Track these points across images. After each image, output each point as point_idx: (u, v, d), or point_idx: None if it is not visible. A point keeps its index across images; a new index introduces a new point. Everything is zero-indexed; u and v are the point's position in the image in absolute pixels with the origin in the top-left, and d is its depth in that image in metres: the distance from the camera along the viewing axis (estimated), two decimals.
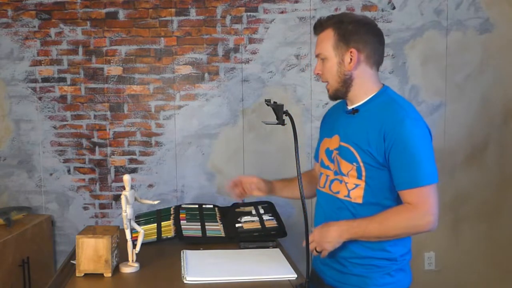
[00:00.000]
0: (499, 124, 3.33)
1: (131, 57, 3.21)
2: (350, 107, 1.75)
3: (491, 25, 3.25)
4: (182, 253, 1.97)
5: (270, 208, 2.53)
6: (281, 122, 1.66)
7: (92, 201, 3.27)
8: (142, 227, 2.02)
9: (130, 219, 1.83)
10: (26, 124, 3.23)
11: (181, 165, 3.26)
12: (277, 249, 2.08)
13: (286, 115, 1.64)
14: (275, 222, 2.34)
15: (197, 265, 1.84)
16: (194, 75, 3.23)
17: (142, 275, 1.80)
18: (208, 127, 3.26)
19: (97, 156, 3.25)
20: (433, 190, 1.58)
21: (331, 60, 1.69)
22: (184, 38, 3.20)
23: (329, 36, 1.69)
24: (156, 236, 2.22)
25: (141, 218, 2.45)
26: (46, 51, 3.19)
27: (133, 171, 3.25)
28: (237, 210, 2.52)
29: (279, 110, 1.65)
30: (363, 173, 1.65)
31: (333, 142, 1.76)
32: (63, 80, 3.21)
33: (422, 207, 1.57)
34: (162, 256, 1.99)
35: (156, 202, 1.95)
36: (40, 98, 3.22)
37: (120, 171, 3.25)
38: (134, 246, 1.85)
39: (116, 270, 1.81)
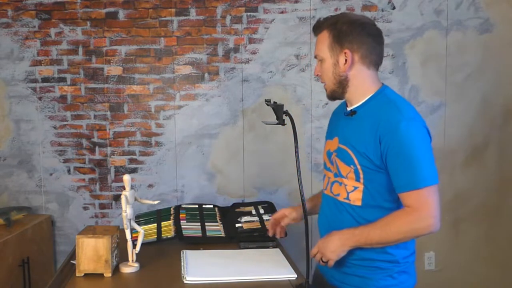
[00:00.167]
0: (499, 124, 3.33)
1: (131, 57, 3.21)
2: (349, 109, 1.75)
3: (491, 25, 3.26)
4: (182, 253, 1.97)
5: (270, 208, 2.53)
6: (281, 122, 1.66)
7: (92, 201, 3.27)
8: (142, 227, 2.02)
9: (130, 219, 1.83)
10: (26, 124, 3.23)
11: (181, 165, 3.26)
12: (277, 249, 2.08)
13: (286, 115, 1.64)
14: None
15: (197, 265, 1.84)
16: (194, 75, 3.23)
17: (142, 275, 1.80)
18: (208, 127, 3.26)
19: (97, 156, 3.25)
20: (433, 191, 1.56)
21: (327, 61, 1.69)
22: (184, 38, 3.20)
23: (324, 37, 1.69)
24: (156, 236, 2.22)
25: (141, 218, 2.45)
26: (46, 51, 3.19)
27: (133, 171, 3.25)
28: (237, 210, 2.52)
29: (279, 110, 1.66)
30: (361, 176, 1.65)
31: (333, 144, 1.76)
32: (63, 80, 3.21)
33: (422, 210, 1.55)
34: (162, 256, 1.99)
35: (156, 202, 1.95)
36: (40, 98, 3.22)
37: (120, 171, 3.25)
38: (134, 246, 1.85)
39: (116, 270, 1.81)
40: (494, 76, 3.29)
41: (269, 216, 2.40)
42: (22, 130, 3.23)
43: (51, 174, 3.25)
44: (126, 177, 1.82)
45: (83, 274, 1.76)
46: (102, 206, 3.27)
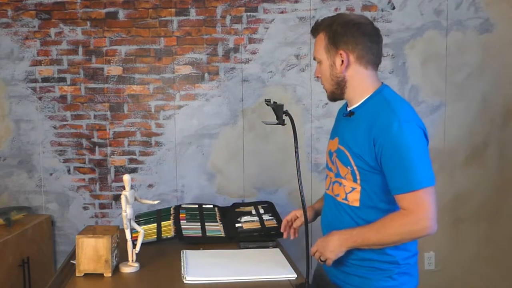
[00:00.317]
0: (499, 124, 3.33)
1: (131, 57, 3.21)
2: (348, 109, 1.75)
3: (491, 25, 3.26)
4: (182, 253, 1.97)
5: (270, 208, 2.53)
6: (281, 122, 1.66)
7: (92, 201, 3.27)
8: (142, 227, 2.02)
9: (130, 219, 1.83)
10: (26, 124, 3.23)
11: (181, 165, 3.26)
12: (277, 249, 2.08)
13: (286, 115, 1.64)
14: (275, 222, 2.34)
15: (197, 265, 1.84)
16: (194, 75, 3.23)
17: (142, 275, 1.80)
18: (208, 127, 3.26)
19: (97, 156, 3.25)
20: (428, 193, 1.54)
21: (324, 63, 1.70)
22: (184, 38, 3.20)
23: (321, 39, 1.69)
24: (156, 236, 2.22)
25: (141, 218, 2.45)
26: (46, 51, 3.19)
27: (133, 171, 3.25)
28: (237, 210, 2.52)
29: (279, 110, 1.65)
30: (358, 177, 1.65)
31: (334, 144, 1.77)
32: (63, 80, 3.21)
33: (417, 212, 1.54)
34: (162, 256, 1.99)
35: (156, 202, 1.95)
36: (40, 98, 3.22)
37: (120, 171, 3.25)
38: (134, 246, 1.85)
39: (116, 270, 1.81)
40: (494, 76, 3.29)
41: (269, 216, 2.40)
42: (22, 130, 3.23)
43: (51, 174, 3.25)
44: (126, 177, 1.82)
45: (83, 274, 1.76)
46: (102, 206, 3.27)
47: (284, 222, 2.03)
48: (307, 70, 3.24)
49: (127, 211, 1.80)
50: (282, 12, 3.20)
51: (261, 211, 2.47)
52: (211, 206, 2.57)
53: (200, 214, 2.45)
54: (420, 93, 3.27)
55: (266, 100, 1.74)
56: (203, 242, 2.16)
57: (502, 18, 3.25)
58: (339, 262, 1.72)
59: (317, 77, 1.76)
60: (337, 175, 1.73)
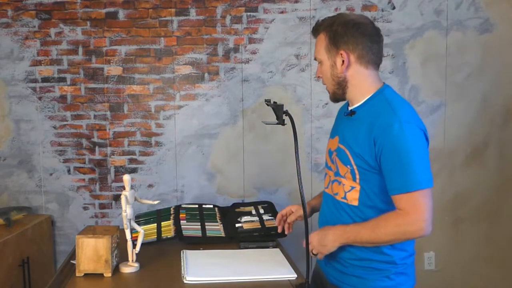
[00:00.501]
0: (499, 124, 3.33)
1: (131, 57, 3.21)
2: (349, 109, 1.75)
3: (491, 25, 3.26)
4: (182, 253, 1.97)
5: (270, 208, 2.53)
6: (281, 122, 1.66)
7: (92, 201, 3.27)
8: (142, 227, 2.02)
9: (130, 219, 1.83)
10: (26, 124, 3.23)
11: (181, 165, 3.26)
12: (277, 249, 2.08)
13: (286, 115, 1.64)
14: (275, 222, 2.34)
15: (197, 265, 1.84)
16: (194, 75, 3.23)
17: (142, 275, 1.80)
18: (208, 127, 3.26)
19: (97, 156, 3.25)
20: (425, 195, 1.54)
21: (325, 63, 1.70)
22: (184, 38, 3.20)
23: (322, 40, 1.70)
24: (156, 236, 2.21)
25: (141, 218, 2.45)
26: (46, 51, 3.19)
27: (133, 171, 3.25)
28: (237, 210, 2.52)
29: (279, 110, 1.65)
30: (357, 176, 1.65)
31: (334, 143, 1.77)
32: (63, 80, 3.21)
33: (413, 213, 1.54)
34: (162, 256, 1.99)
35: (156, 202, 1.95)
36: (40, 98, 3.22)
37: (120, 171, 3.25)
38: (134, 246, 1.85)
39: (116, 270, 1.81)
40: (494, 76, 3.29)
41: (269, 216, 2.40)
42: (22, 130, 3.23)
43: (51, 174, 3.25)
44: (126, 177, 1.82)
45: (83, 274, 1.76)
46: (102, 206, 3.27)
47: (278, 216, 2.05)
48: (307, 70, 3.24)
49: (127, 211, 1.80)
50: (282, 12, 3.20)
51: (261, 211, 2.47)
52: (211, 206, 2.57)
53: (200, 214, 2.45)
54: (420, 93, 3.27)
55: (266, 100, 1.74)
56: (203, 242, 2.16)
57: (502, 18, 3.25)
58: (337, 261, 1.73)
59: (318, 77, 1.77)
60: (337, 174, 1.74)
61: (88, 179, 3.26)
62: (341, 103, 1.84)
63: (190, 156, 3.26)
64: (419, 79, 3.27)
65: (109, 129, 3.24)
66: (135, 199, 1.87)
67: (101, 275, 1.76)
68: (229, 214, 2.47)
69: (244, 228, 2.28)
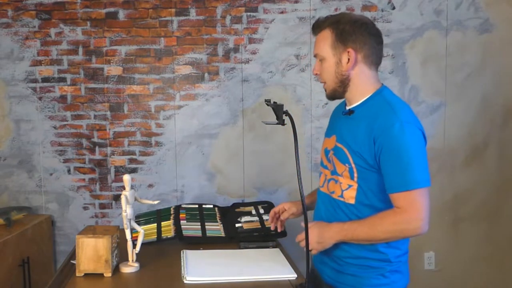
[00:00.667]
0: (499, 124, 3.33)
1: (131, 57, 3.21)
2: (347, 108, 1.76)
3: (491, 25, 3.26)
4: (182, 253, 1.97)
5: (270, 208, 2.52)
6: (281, 122, 1.66)
7: (92, 201, 3.27)
8: (142, 227, 2.02)
9: (130, 219, 1.83)
10: (26, 124, 3.23)
11: (181, 165, 3.26)
12: (277, 249, 2.08)
13: (286, 115, 1.64)
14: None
15: (197, 265, 1.84)
16: (194, 75, 3.23)
17: (142, 275, 1.80)
18: (208, 127, 3.26)
19: (97, 156, 3.25)
20: (423, 194, 1.57)
21: (328, 60, 1.70)
22: (184, 38, 3.20)
23: (326, 36, 1.69)
24: (156, 236, 2.22)
25: (141, 218, 2.45)
26: (46, 51, 3.19)
27: (133, 171, 3.25)
28: (237, 210, 2.52)
29: (279, 110, 1.65)
30: (355, 175, 1.66)
31: (331, 142, 1.78)
32: (63, 80, 3.21)
33: (410, 211, 1.57)
34: (162, 256, 1.99)
35: (156, 202, 1.95)
36: (40, 98, 3.22)
37: (120, 171, 3.25)
38: (134, 246, 1.85)
39: (116, 270, 1.81)
40: (494, 76, 3.29)
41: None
42: (22, 130, 3.23)
43: (51, 174, 3.25)
44: (126, 177, 1.82)
45: (83, 274, 1.76)
46: (102, 206, 3.27)
47: (271, 214, 2.07)
48: (307, 70, 3.24)
49: (127, 211, 1.80)
50: (282, 12, 3.20)
51: (261, 211, 2.47)
52: (211, 206, 2.57)
53: (200, 214, 2.45)
54: (420, 93, 3.27)
55: (266, 100, 1.74)
56: (203, 242, 2.16)
57: (502, 18, 3.25)
58: (332, 260, 1.75)
59: (316, 74, 1.76)
60: (333, 172, 1.75)
61: (88, 179, 3.26)
62: (337, 102, 1.85)
63: (190, 156, 3.26)
64: (419, 79, 3.27)
65: (109, 129, 3.24)
66: (135, 199, 1.87)
67: (101, 275, 1.76)
68: (229, 214, 2.47)
69: (244, 228, 2.29)
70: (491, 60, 3.27)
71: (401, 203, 1.58)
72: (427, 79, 3.27)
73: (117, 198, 3.26)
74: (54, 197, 3.26)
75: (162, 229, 2.28)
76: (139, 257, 1.86)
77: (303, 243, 1.70)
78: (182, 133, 3.25)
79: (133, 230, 1.87)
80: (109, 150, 3.25)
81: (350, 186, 1.68)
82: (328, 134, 1.84)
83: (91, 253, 1.74)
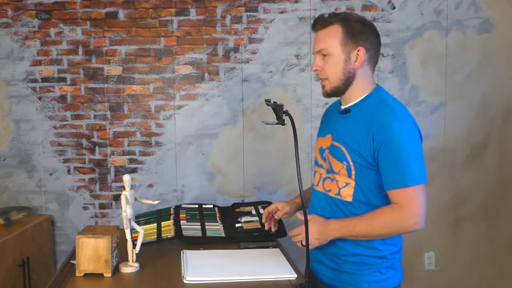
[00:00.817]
0: (499, 124, 3.33)
1: (131, 57, 3.21)
2: (343, 107, 1.78)
3: (491, 25, 3.25)
4: (182, 253, 1.97)
5: None
6: (281, 122, 1.66)
7: (92, 201, 3.27)
8: (142, 227, 2.02)
9: (130, 219, 1.83)
10: (26, 124, 3.23)
11: (181, 165, 3.26)
12: (277, 249, 2.08)
13: (286, 115, 1.64)
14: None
15: (197, 265, 1.84)
16: (194, 75, 3.23)
17: (142, 275, 1.80)
18: (208, 127, 3.26)
19: (97, 156, 3.25)
20: (420, 190, 1.60)
21: (336, 56, 1.69)
22: (184, 38, 3.20)
23: (336, 32, 1.69)
24: (156, 236, 2.22)
25: (141, 218, 2.45)
26: (46, 51, 3.19)
27: (133, 171, 3.25)
28: (237, 210, 2.52)
29: (279, 110, 1.65)
30: (353, 172, 1.68)
31: (326, 141, 1.80)
32: (63, 80, 3.21)
33: (408, 207, 1.60)
34: (162, 256, 1.99)
35: (156, 202, 1.95)
36: (40, 98, 3.22)
37: (120, 171, 3.25)
38: (134, 246, 1.85)
39: (116, 270, 1.81)
40: (494, 76, 3.29)
41: None
42: (22, 130, 3.23)
43: (51, 174, 3.25)
44: (126, 177, 1.82)
45: (83, 274, 1.76)
46: (102, 206, 3.27)
47: (265, 213, 2.08)
48: (307, 70, 3.24)
49: (127, 211, 1.80)
50: (282, 12, 3.20)
51: (261, 211, 2.47)
52: (211, 206, 2.57)
53: (200, 214, 2.45)
54: (420, 93, 3.27)
55: (266, 100, 1.74)
56: (203, 242, 2.16)
57: (502, 18, 3.25)
58: (329, 259, 1.76)
59: (316, 70, 1.76)
60: (329, 171, 1.77)
61: (88, 179, 3.26)
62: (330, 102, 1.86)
63: (190, 156, 3.26)
64: (419, 79, 3.27)
65: (109, 129, 3.24)
66: (135, 199, 1.87)
67: (101, 275, 1.76)
68: (229, 214, 2.47)
69: (244, 228, 2.29)
70: (491, 60, 3.27)
71: (399, 199, 1.61)
72: (427, 79, 3.27)
73: (117, 198, 3.26)
74: (54, 197, 3.26)
75: (162, 229, 2.28)
76: (139, 257, 1.87)
77: (296, 238, 1.72)
78: (182, 133, 3.25)
79: (133, 230, 1.87)
80: (109, 150, 3.25)
81: (347, 184, 1.70)
82: (322, 133, 1.86)
83: (91, 253, 1.74)
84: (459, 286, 3.37)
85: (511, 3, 3.25)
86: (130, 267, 1.82)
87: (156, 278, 1.77)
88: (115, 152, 3.25)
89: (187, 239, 2.16)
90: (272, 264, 1.88)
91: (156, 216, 2.43)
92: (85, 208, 3.27)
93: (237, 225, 2.31)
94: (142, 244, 1.87)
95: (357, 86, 1.72)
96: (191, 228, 2.26)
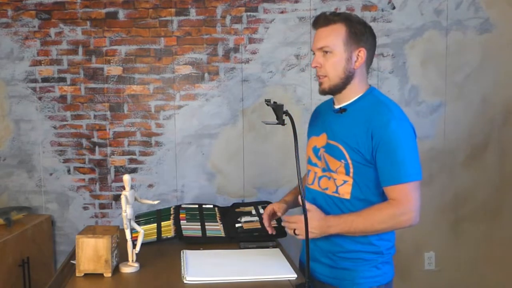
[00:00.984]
0: (499, 124, 3.33)
1: (131, 57, 3.21)
2: (337, 107, 1.80)
3: (491, 25, 3.25)
4: (182, 253, 1.97)
5: None
6: (281, 122, 1.67)
7: (92, 201, 3.27)
8: (142, 227, 2.02)
9: (130, 219, 1.83)
10: (26, 124, 3.23)
11: (181, 165, 3.26)
12: (277, 249, 2.08)
13: (286, 115, 1.65)
14: (275, 222, 2.34)
15: (197, 265, 1.84)
16: (194, 75, 3.23)
17: (142, 275, 1.80)
18: (208, 127, 3.26)
19: (97, 156, 3.25)
20: (415, 187, 1.65)
21: (338, 55, 1.71)
22: (184, 38, 3.20)
23: (339, 30, 1.71)
24: (156, 236, 2.21)
25: (141, 218, 2.44)
26: (46, 51, 3.19)
27: (133, 171, 3.25)
28: (237, 210, 2.52)
29: (279, 110, 1.66)
30: (351, 170, 1.71)
31: (321, 140, 1.83)
32: (63, 80, 3.21)
33: (404, 203, 1.64)
34: (162, 256, 1.99)
35: (156, 202, 1.95)
36: (40, 98, 3.22)
37: (120, 171, 3.25)
38: (134, 246, 1.85)
39: (116, 270, 1.81)
40: (494, 76, 3.29)
41: None
42: (22, 130, 3.23)
43: (51, 174, 3.25)
44: (126, 177, 1.82)
45: (83, 274, 1.75)
46: (102, 206, 3.27)
47: (266, 218, 2.05)
48: (307, 70, 3.24)
49: (127, 211, 1.80)
50: (282, 12, 3.20)
51: (261, 211, 2.47)
52: (211, 206, 2.57)
53: (200, 214, 2.45)
54: (420, 93, 3.27)
55: (266, 100, 1.75)
56: (203, 242, 2.16)
57: (502, 18, 3.25)
58: (325, 257, 1.78)
59: (316, 67, 1.76)
60: (325, 169, 1.79)
61: (88, 179, 3.26)
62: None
63: (190, 156, 3.26)
64: (419, 79, 3.27)
65: (109, 129, 3.24)
66: (135, 199, 1.87)
67: (101, 275, 1.76)
68: (229, 214, 2.47)
69: (244, 228, 2.28)
70: (491, 60, 3.27)
71: (395, 195, 1.65)
72: (427, 79, 3.27)
73: (117, 198, 3.26)
74: (54, 197, 3.26)
75: (162, 229, 2.28)
76: (139, 257, 1.86)
77: (290, 225, 1.73)
78: (182, 133, 3.25)
79: (133, 230, 1.87)
80: (109, 150, 3.25)
81: (345, 181, 1.73)
82: (315, 132, 1.89)
83: (91, 253, 1.74)
84: (459, 286, 3.37)
85: (511, 3, 3.25)
86: (130, 267, 1.82)
87: (156, 278, 1.77)
88: (115, 152, 3.25)
89: (187, 239, 2.16)
90: (272, 264, 1.88)
91: (156, 216, 2.43)
92: (85, 208, 3.27)
93: (237, 225, 2.31)
94: (142, 244, 1.87)
95: (354, 85, 1.74)
96: (191, 228, 2.26)
